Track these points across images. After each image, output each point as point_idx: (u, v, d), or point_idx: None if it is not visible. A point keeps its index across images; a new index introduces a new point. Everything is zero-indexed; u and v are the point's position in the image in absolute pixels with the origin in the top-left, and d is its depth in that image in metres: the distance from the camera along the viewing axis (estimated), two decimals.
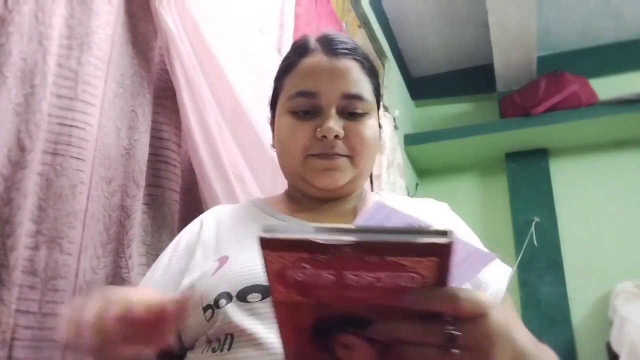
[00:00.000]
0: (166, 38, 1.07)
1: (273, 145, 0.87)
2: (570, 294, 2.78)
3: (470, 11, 2.89)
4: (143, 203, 1.05)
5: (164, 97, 1.15)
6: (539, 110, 2.89)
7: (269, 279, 0.42)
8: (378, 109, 0.84)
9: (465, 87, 3.39)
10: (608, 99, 2.83)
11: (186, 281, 0.73)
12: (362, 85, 0.79)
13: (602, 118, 2.82)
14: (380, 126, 0.85)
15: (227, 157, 1.15)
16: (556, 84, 2.89)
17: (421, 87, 3.48)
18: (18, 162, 0.79)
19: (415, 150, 3.10)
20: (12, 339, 0.77)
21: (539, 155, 3.10)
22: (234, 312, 0.64)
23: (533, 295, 2.79)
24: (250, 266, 0.67)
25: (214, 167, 1.12)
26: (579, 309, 2.76)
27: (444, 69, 3.45)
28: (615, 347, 2.38)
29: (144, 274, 1.02)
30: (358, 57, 0.80)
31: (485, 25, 2.71)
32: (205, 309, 0.66)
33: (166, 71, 1.13)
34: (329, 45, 0.80)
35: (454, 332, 0.41)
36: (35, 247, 0.82)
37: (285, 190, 0.89)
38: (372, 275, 0.40)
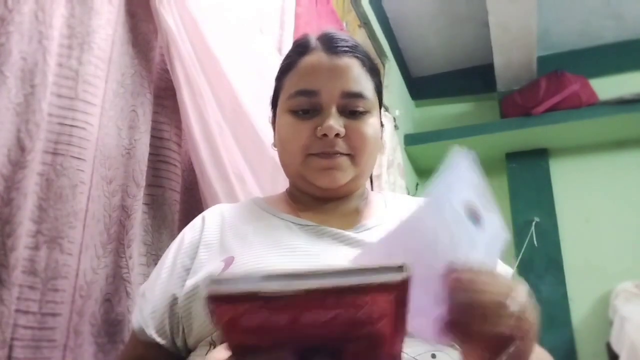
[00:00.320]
0: (166, 38, 1.07)
1: (274, 145, 0.86)
2: (570, 294, 2.78)
3: (470, 11, 2.89)
4: (143, 203, 1.05)
5: (165, 97, 1.15)
6: (539, 110, 2.89)
7: (220, 330, 0.41)
8: (380, 107, 0.84)
9: (465, 87, 3.39)
10: (608, 99, 2.84)
11: (190, 282, 0.72)
12: (363, 83, 0.78)
13: (602, 118, 2.82)
14: (382, 124, 0.84)
15: (227, 157, 1.15)
16: (556, 84, 2.90)
17: (421, 87, 3.48)
18: (18, 162, 0.79)
19: (415, 150, 3.10)
20: (12, 339, 0.77)
21: (539, 155, 3.11)
22: None
23: (533, 295, 2.79)
24: (257, 267, 0.67)
25: (214, 167, 1.12)
26: (579, 309, 2.77)
27: (444, 69, 3.45)
28: (615, 347, 2.38)
29: (144, 274, 1.02)
30: (358, 55, 0.80)
31: (486, 25, 2.72)
32: None
33: (167, 71, 1.13)
34: (329, 43, 0.79)
35: None
36: (36, 247, 0.82)
37: (287, 189, 0.88)
38: (329, 313, 0.40)
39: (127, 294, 0.96)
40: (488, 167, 3.15)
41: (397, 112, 2.73)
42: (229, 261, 0.70)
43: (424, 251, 0.50)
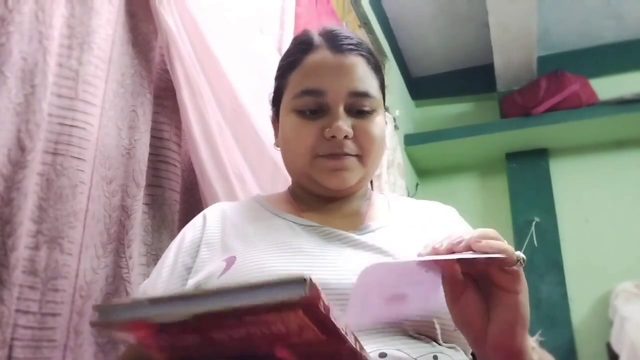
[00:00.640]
0: (166, 38, 1.07)
1: (276, 144, 0.85)
2: (570, 294, 2.78)
3: (470, 11, 2.89)
4: (143, 203, 1.05)
5: (165, 97, 1.15)
6: (539, 110, 2.89)
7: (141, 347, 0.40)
8: (384, 104, 0.83)
9: (465, 87, 3.39)
10: (608, 99, 2.84)
11: (192, 281, 0.72)
12: (369, 81, 0.78)
13: (602, 118, 2.82)
14: (386, 122, 0.83)
15: (227, 157, 1.15)
16: (556, 84, 2.90)
17: (421, 87, 3.48)
18: (18, 162, 0.79)
19: (415, 150, 3.10)
20: (12, 339, 0.77)
21: (539, 155, 3.11)
22: None
23: (533, 295, 2.77)
24: (260, 268, 0.66)
25: (214, 167, 1.12)
26: (579, 309, 2.77)
27: (444, 69, 3.45)
28: (615, 347, 2.39)
29: (144, 274, 1.02)
30: (363, 53, 0.79)
31: (486, 25, 2.72)
32: None
33: (166, 71, 1.13)
34: (333, 41, 0.78)
35: None
36: (36, 247, 0.82)
37: (289, 188, 0.88)
38: (239, 331, 0.38)
39: (127, 294, 0.96)
40: (488, 167, 3.15)
41: (397, 112, 2.73)
42: (230, 261, 0.70)
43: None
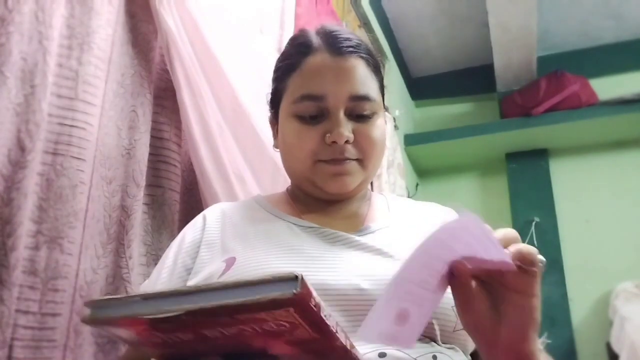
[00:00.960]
0: (166, 38, 1.07)
1: (275, 146, 0.85)
2: (570, 294, 2.78)
3: (470, 11, 2.89)
4: (143, 203, 1.05)
5: (164, 97, 1.15)
6: (539, 110, 2.89)
7: (130, 344, 0.41)
8: (383, 104, 0.82)
9: (465, 87, 3.39)
10: (608, 99, 2.84)
11: (192, 282, 0.72)
12: (369, 84, 0.77)
13: (602, 118, 2.82)
14: (385, 122, 0.83)
15: (227, 157, 1.15)
16: (556, 84, 2.90)
17: (421, 87, 3.48)
18: (18, 162, 0.79)
19: (415, 150, 3.10)
20: (12, 339, 0.77)
21: (539, 155, 3.11)
22: None
23: None
24: (259, 269, 0.66)
25: (214, 167, 1.12)
26: (579, 309, 2.77)
27: (444, 69, 3.45)
28: (615, 347, 2.39)
29: (144, 274, 1.02)
30: (363, 55, 0.78)
31: (485, 25, 2.72)
32: None
33: (166, 71, 1.13)
34: (333, 43, 0.77)
35: None
36: (36, 247, 0.82)
37: (287, 189, 0.87)
38: (232, 329, 0.38)
39: (127, 294, 0.96)
40: (488, 167, 3.16)
41: (397, 112, 2.73)
42: (230, 262, 0.70)
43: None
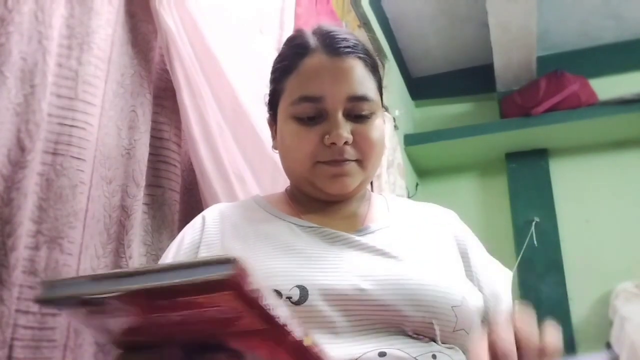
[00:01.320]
0: (166, 38, 1.07)
1: (274, 147, 0.85)
2: (570, 294, 2.78)
3: (470, 11, 2.89)
4: (143, 203, 1.05)
5: (164, 97, 1.15)
6: (539, 110, 2.89)
7: (85, 328, 0.41)
8: (382, 104, 0.82)
9: (465, 87, 3.39)
10: (608, 99, 2.84)
11: None
12: (367, 84, 0.77)
13: (602, 118, 2.82)
14: (384, 121, 0.83)
15: (227, 157, 1.15)
16: (556, 84, 2.90)
17: (421, 87, 3.48)
18: (18, 162, 0.79)
19: (415, 150, 3.10)
20: (12, 339, 0.77)
21: (539, 155, 3.11)
22: None
23: (533, 295, 2.79)
24: (259, 269, 0.66)
25: (214, 167, 1.12)
26: (579, 309, 2.76)
27: (444, 69, 3.45)
28: (615, 347, 2.38)
29: None
30: (361, 55, 0.77)
31: (485, 25, 2.71)
32: None
33: (166, 71, 1.13)
34: (330, 43, 0.77)
35: None
36: (36, 247, 0.82)
37: (286, 190, 0.87)
38: (176, 314, 0.37)
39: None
40: (488, 167, 3.15)
41: (397, 112, 2.72)
42: None
43: None
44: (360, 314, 0.63)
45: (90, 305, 0.37)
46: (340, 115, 0.74)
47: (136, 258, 1.00)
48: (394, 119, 2.60)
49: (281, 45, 0.84)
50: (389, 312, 0.63)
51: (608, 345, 2.51)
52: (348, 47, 0.77)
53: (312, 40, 0.78)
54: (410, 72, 3.47)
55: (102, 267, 0.93)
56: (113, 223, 0.96)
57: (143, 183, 1.03)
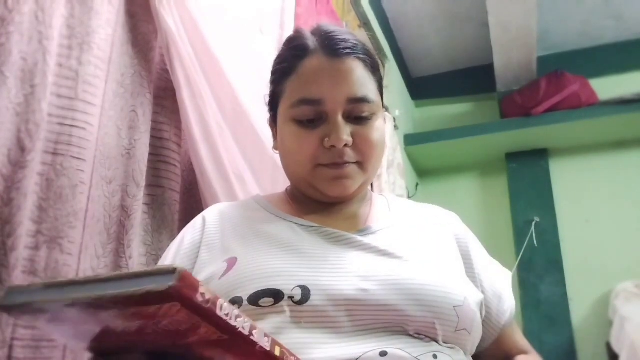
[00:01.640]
0: (166, 38, 1.07)
1: (275, 148, 0.84)
2: (570, 294, 2.78)
3: (470, 11, 2.89)
4: (143, 203, 1.05)
5: (164, 97, 1.15)
6: (539, 110, 2.89)
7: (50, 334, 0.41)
8: (382, 104, 0.82)
9: (465, 87, 3.39)
10: (608, 99, 2.84)
11: None
12: (367, 85, 0.76)
13: (602, 118, 2.82)
14: (385, 121, 0.82)
15: (227, 157, 1.15)
16: (556, 84, 2.90)
17: (421, 87, 3.48)
18: (18, 162, 0.79)
19: (415, 150, 3.10)
20: (12, 339, 0.77)
21: (539, 155, 3.11)
22: None
23: (533, 295, 2.80)
24: (261, 269, 0.66)
25: (214, 167, 1.12)
26: (579, 309, 2.77)
27: (444, 69, 3.45)
28: (615, 347, 2.38)
29: None
30: (360, 55, 0.77)
31: (485, 25, 2.71)
32: None
33: (166, 71, 1.13)
34: (329, 45, 0.76)
35: None
36: (36, 247, 0.82)
37: (287, 190, 0.87)
38: (132, 323, 0.37)
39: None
40: (488, 167, 3.15)
41: (397, 112, 2.73)
42: (232, 262, 0.69)
43: None
44: (363, 314, 0.63)
45: (45, 313, 0.37)
46: (339, 117, 0.74)
47: (136, 258, 1.00)
48: (394, 119, 2.60)
49: (281, 45, 0.84)
50: (391, 312, 0.63)
51: (608, 345, 2.51)
52: (347, 48, 0.76)
53: (311, 42, 0.78)
54: (410, 72, 3.47)
55: (102, 267, 0.93)
56: (113, 223, 0.96)
57: (143, 183, 1.03)
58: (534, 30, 2.68)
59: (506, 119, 3.04)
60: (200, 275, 0.72)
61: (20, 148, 0.80)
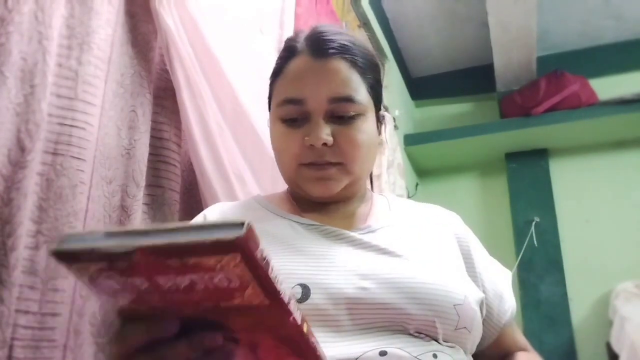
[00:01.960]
0: (166, 38, 1.07)
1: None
2: (570, 294, 2.78)
3: (470, 11, 2.89)
4: (143, 203, 1.05)
5: (164, 97, 1.15)
6: (539, 110, 2.89)
7: (89, 289, 0.40)
8: (378, 105, 0.81)
9: (465, 87, 3.39)
10: (608, 99, 2.84)
11: None
12: (353, 85, 0.75)
13: (602, 118, 2.82)
14: (381, 123, 0.82)
15: (227, 157, 1.15)
16: (556, 84, 2.90)
17: (421, 87, 3.48)
18: (18, 162, 0.79)
19: (415, 150, 3.10)
20: (12, 339, 0.77)
21: (539, 155, 3.11)
22: None
23: (533, 295, 2.80)
24: None
25: (214, 167, 1.12)
26: (579, 309, 2.77)
27: (444, 69, 3.45)
28: (615, 347, 2.39)
29: None
30: (347, 56, 0.76)
31: (485, 25, 2.71)
32: None
33: (166, 71, 1.13)
34: (316, 45, 0.76)
35: None
36: (36, 247, 0.82)
37: (288, 189, 0.87)
38: (184, 278, 0.37)
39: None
40: (488, 167, 3.15)
41: (397, 112, 2.73)
42: None
43: None
44: (363, 312, 0.63)
45: (100, 262, 0.38)
46: (320, 117, 0.74)
47: None
48: (394, 119, 2.60)
49: (281, 45, 0.84)
50: (391, 311, 0.63)
51: (608, 345, 2.51)
52: (333, 48, 0.75)
53: (301, 43, 0.78)
54: (410, 72, 3.47)
55: None
56: (113, 223, 0.96)
57: (143, 183, 1.03)
58: (533, 30, 2.68)
59: (506, 119, 3.04)
60: None
61: (20, 148, 0.80)
